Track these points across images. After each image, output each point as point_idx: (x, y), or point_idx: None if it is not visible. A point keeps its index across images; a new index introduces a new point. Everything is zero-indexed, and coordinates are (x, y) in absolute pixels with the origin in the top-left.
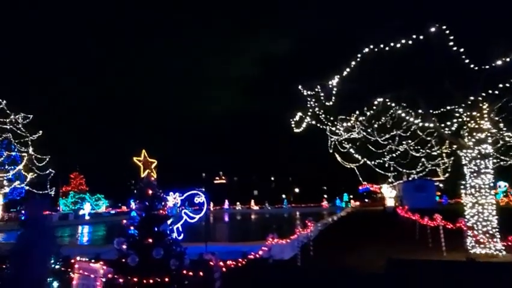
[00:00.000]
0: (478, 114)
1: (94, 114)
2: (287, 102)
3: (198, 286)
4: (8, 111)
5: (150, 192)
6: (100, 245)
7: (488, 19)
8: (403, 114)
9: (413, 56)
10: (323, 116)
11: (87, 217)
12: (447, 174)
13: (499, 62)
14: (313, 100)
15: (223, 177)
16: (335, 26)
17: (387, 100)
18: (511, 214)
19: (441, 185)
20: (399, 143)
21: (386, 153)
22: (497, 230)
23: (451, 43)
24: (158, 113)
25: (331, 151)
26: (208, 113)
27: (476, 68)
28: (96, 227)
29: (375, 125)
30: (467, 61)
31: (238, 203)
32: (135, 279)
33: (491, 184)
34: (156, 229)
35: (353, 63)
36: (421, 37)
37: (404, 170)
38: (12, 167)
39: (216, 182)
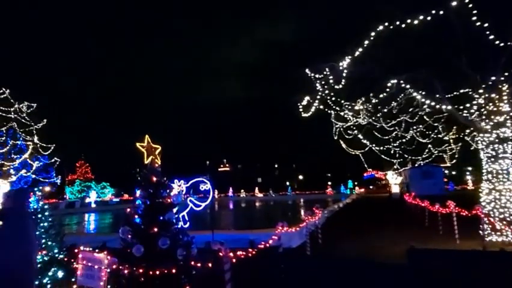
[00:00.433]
0: (497, 97)
1: (98, 106)
2: (292, 88)
3: (206, 277)
4: (12, 100)
5: (154, 179)
6: (106, 233)
7: None
8: (418, 97)
9: (430, 34)
10: (332, 99)
11: (93, 205)
12: (454, 161)
13: None
14: (322, 82)
15: (227, 165)
16: (345, 2)
17: (401, 82)
18: None
19: (446, 172)
20: (405, 129)
21: (391, 140)
22: None
23: (474, 18)
24: (161, 102)
25: (336, 138)
26: (211, 102)
27: (502, 44)
28: (102, 215)
29: (385, 110)
30: (491, 37)
31: (242, 191)
32: (140, 270)
33: (510, 169)
34: (161, 218)
35: (366, 42)
36: (441, 12)
37: (409, 157)
38: (19, 156)
39: (220, 169)
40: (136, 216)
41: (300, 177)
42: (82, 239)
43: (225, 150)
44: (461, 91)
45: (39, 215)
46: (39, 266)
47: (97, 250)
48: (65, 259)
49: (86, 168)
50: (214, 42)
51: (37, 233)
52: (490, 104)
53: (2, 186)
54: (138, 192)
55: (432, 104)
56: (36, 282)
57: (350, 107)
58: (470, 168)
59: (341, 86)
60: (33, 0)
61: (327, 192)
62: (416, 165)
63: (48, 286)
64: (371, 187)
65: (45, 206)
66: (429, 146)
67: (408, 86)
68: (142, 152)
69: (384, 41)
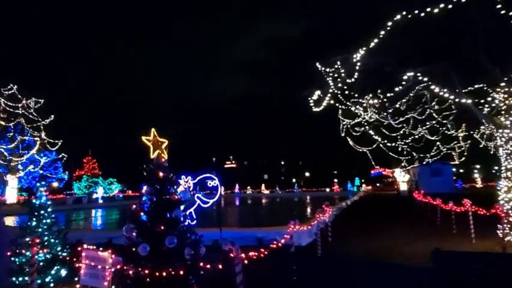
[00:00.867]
0: None
1: (98, 106)
2: (299, 84)
3: (215, 278)
4: (19, 96)
5: (161, 174)
6: (112, 230)
7: None
8: (436, 90)
9: (449, 24)
10: (345, 93)
11: (100, 201)
12: (463, 158)
13: None
14: (335, 75)
15: (233, 162)
16: None
17: (418, 74)
18: None
19: (454, 169)
20: (413, 126)
21: (399, 137)
22: None
23: (499, 6)
24: (167, 97)
25: (343, 135)
26: (217, 98)
27: None
28: (109, 211)
29: (397, 105)
30: None
31: (248, 187)
32: (146, 271)
33: None
34: (168, 215)
35: (382, 32)
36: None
37: (416, 155)
38: (26, 152)
39: (226, 166)
40: (142, 214)
41: (307, 174)
42: (88, 235)
43: (231, 147)
44: (478, 86)
45: (42, 211)
46: (42, 264)
47: (101, 248)
48: (68, 258)
49: (93, 164)
50: (214, 42)
51: (39, 230)
52: (510, 98)
53: (11, 181)
54: (144, 188)
55: (451, 97)
56: (39, 281)
57: (361, 102)
58: (478, 166)
59: (353, 80)
60: (33, 0)
61: (334, 189)
62: (424, 162)
63: (51, 285)
64: (378, 184)
65: (48, 202)
66: (438, 143)
67: (425, 79)
68: (148, 146)
69: (401, 31)
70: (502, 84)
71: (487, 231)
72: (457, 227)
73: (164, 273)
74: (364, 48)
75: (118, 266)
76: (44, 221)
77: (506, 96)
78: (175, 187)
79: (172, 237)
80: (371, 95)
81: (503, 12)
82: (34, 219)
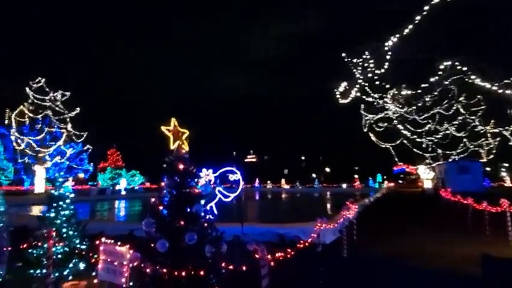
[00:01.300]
0: None
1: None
2: (322, 79)
3: (238, 277)
4: (47, 89)
5: (181, 166)
6: (133, 221)
7: None
8: (477, 80)
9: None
10: (375, 83)
11: (123, 192)
12: (491, 156)
13: None
14: (365, 65)
15: (254, 156)
16: None
17: (456, 63)
18: None
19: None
20: (439, 122)
21: (424, 133)
22: None
23: None
24: (181, 94)
25: (365, 130)
26: (239, 93)
27: None
28: (131, 202)
29: (427, 98)
30: None
31: (268, 182)
32: (164, 270)
33: None
34: (188, 210)
35: (418, 17)
36: None
37: (441, 152)
38: (54, 143)
39: (246, 160)
40: (161, 208)
41: (327, 169)
42: (111, 227)
43: (252, 141)
44: None
45: (61, 202)
46: (60, 257)
47: (119, 243)
48: (87, 251)
49: (117, 156)
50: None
51: (58, 221)
52: None
53: (39, 171)
54: (164, 181)
55: (494, 88)
56: (57, 274)
57: (386, 96)
58: (506, 165)
59: (382, 70)
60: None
61: (355, 185)
62: (450, 159)
63: (70, 278)
64: (400, 182)
65: (68, 194)
66: (465, 140)
67: (465, 69)
68: (168, 136)
69: (439, 17)
70: None
71: None
72: (490, 229)
73: (183, 273)
74: (396, 36)
75: (136, 263)
76: (62, 212)
77: None
78: (196, 180)
79: (192, 233)
80: (403, 86)
81: None
82: (53, 210)
